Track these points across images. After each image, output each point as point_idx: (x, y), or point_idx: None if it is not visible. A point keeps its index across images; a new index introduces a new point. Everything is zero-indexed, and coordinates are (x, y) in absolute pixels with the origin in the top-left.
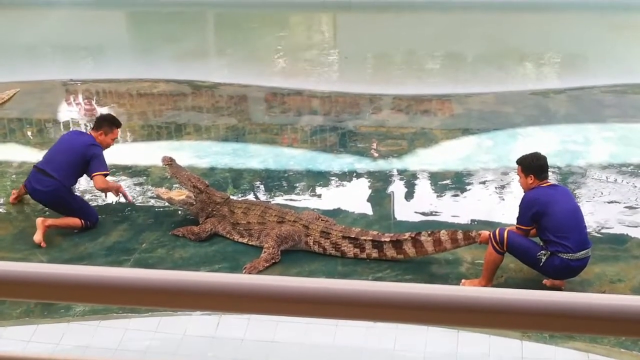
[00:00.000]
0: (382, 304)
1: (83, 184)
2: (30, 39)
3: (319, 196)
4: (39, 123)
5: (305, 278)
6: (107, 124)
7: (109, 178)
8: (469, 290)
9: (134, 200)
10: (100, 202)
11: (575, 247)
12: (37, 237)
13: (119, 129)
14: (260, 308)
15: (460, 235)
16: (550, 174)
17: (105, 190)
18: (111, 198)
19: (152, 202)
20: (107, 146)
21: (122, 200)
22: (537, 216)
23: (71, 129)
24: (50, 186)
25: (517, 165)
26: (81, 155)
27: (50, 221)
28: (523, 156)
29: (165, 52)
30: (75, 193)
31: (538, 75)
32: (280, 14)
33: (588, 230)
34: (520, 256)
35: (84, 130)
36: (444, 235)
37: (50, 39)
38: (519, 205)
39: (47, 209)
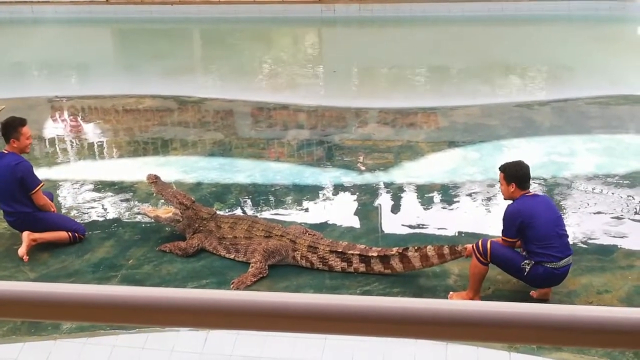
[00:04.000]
0: (371, 319)
1: (69, 201)
2: (16, 56)
3: (306, 210)
4: None
5: (294, 293)
6: (11, 129)
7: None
8: (457, 304)
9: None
10: (85, 218)
11: (558, 256)
12: (21, 250)
13: (25, 126)
14: (248, 324)
15: (446, 250)
16: (536, 185)
17: (43, 207)
18: (97, 215)
19: (139, 218)
20: (26, 147)
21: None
22: (522, 227)
23: None
24: (13, 217)
25: (499, 172)
26: (11, 178)
27: (36, 235)
28: (506, 163)
29: (151, 68)
30: (46, 211)
31: (523, 88)
32: (266, 29)
33: (574, 241)
34: (504, 266)
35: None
36: (430, 250)
37: (35, 55)
38: (503, 218)
39: None
